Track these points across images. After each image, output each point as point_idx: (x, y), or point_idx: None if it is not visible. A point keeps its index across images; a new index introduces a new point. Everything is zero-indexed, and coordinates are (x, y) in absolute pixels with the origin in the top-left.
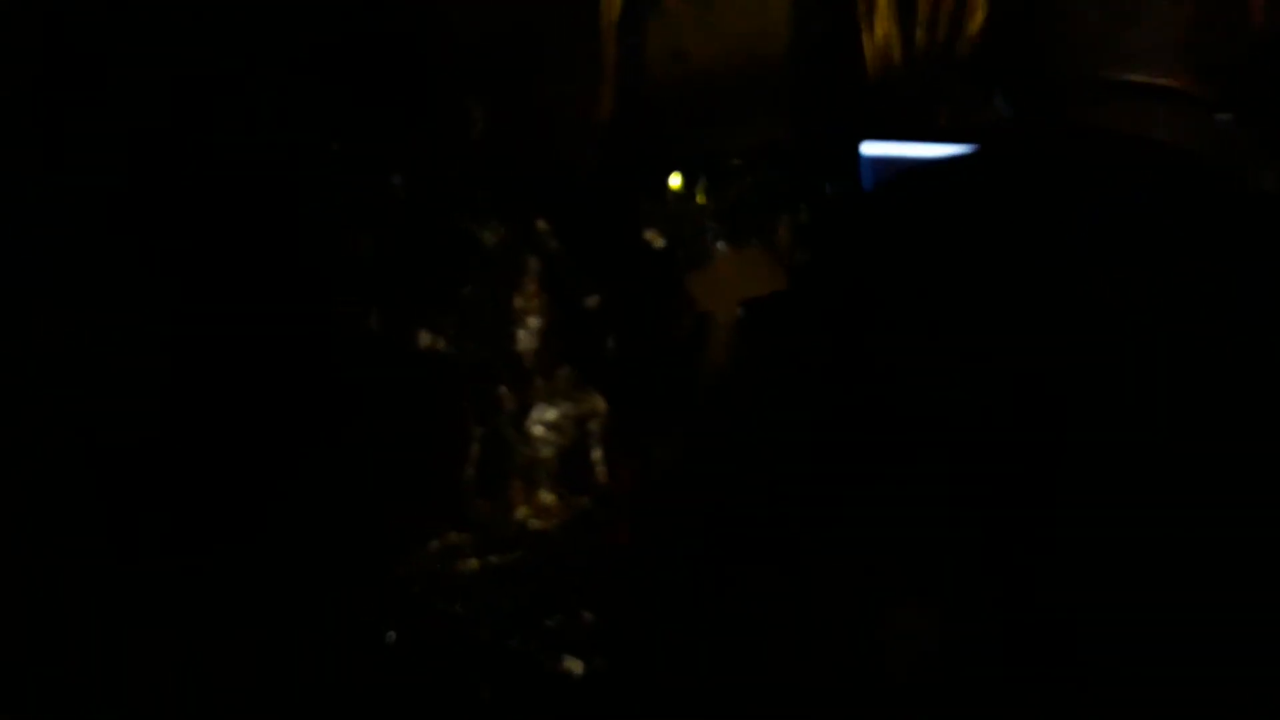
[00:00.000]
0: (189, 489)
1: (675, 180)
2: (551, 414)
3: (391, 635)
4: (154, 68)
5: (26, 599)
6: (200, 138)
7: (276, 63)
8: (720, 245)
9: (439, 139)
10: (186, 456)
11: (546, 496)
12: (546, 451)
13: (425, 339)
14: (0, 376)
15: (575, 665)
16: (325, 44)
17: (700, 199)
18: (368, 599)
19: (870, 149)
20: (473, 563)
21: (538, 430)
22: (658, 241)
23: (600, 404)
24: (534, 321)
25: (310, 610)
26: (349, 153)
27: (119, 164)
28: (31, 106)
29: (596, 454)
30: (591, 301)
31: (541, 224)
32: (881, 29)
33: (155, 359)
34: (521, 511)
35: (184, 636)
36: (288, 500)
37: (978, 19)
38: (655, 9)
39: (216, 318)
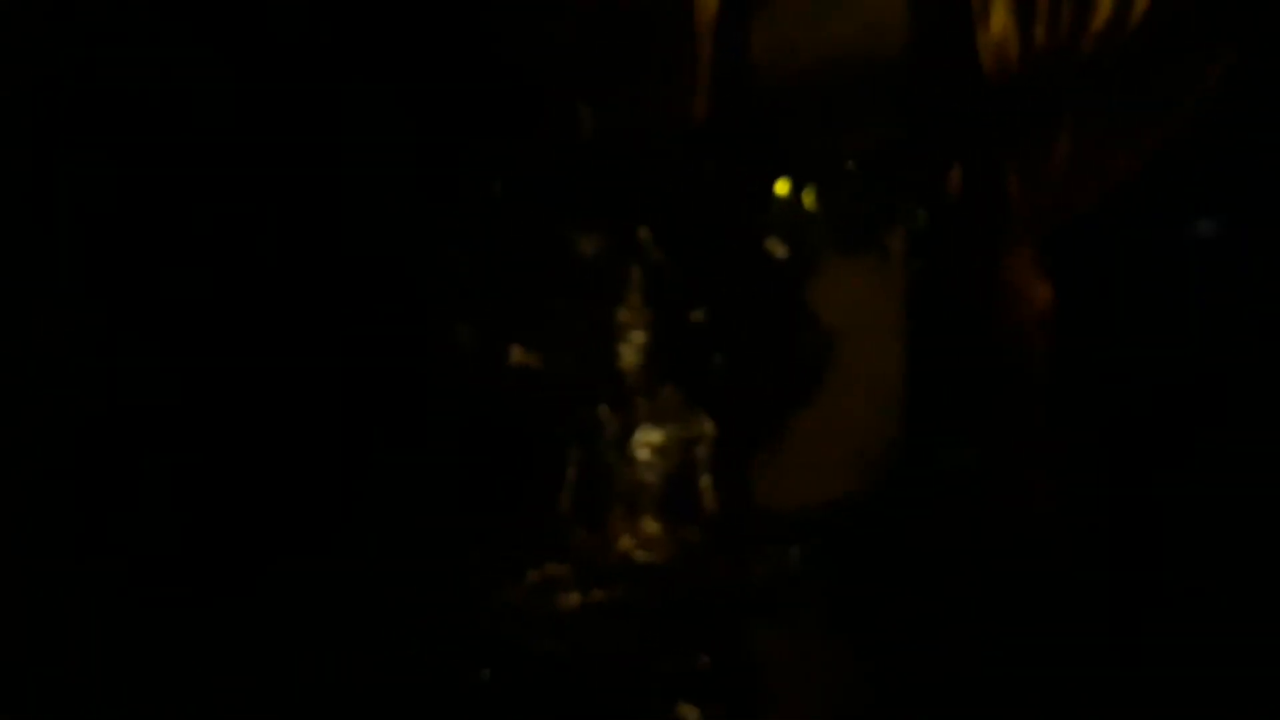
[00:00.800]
0: (272, 511)
1: (782, 186)
2: (656, 437)
3: (485, 674)
4: (245, 76)
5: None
6: (291, 144)
7: (370, 68)
8: (830, 254)
9: (537, 144)
10: (271, 477)
11: (651, 526)
12: (651, 477)
13: (519, 355)
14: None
15: (691, 714)
16: (419, 48)
17: (809, 205)
18: (459, 635)
19: None
20: (573, 597)
21: (642, 454)
22: (776, 251)
23: (708, 426)
24: (637, 336)
25: (398, 646)
26: (443, 158)
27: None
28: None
29: (704, 481)
30: (698, 315)
31: (643, 232)
32: (998, 24)
33: (246, 377)
34: (625, 542)
35: (269, 666)
36: (373, 526)
37: (1104, 12)
38: (760, 5)
39: (302, 333)
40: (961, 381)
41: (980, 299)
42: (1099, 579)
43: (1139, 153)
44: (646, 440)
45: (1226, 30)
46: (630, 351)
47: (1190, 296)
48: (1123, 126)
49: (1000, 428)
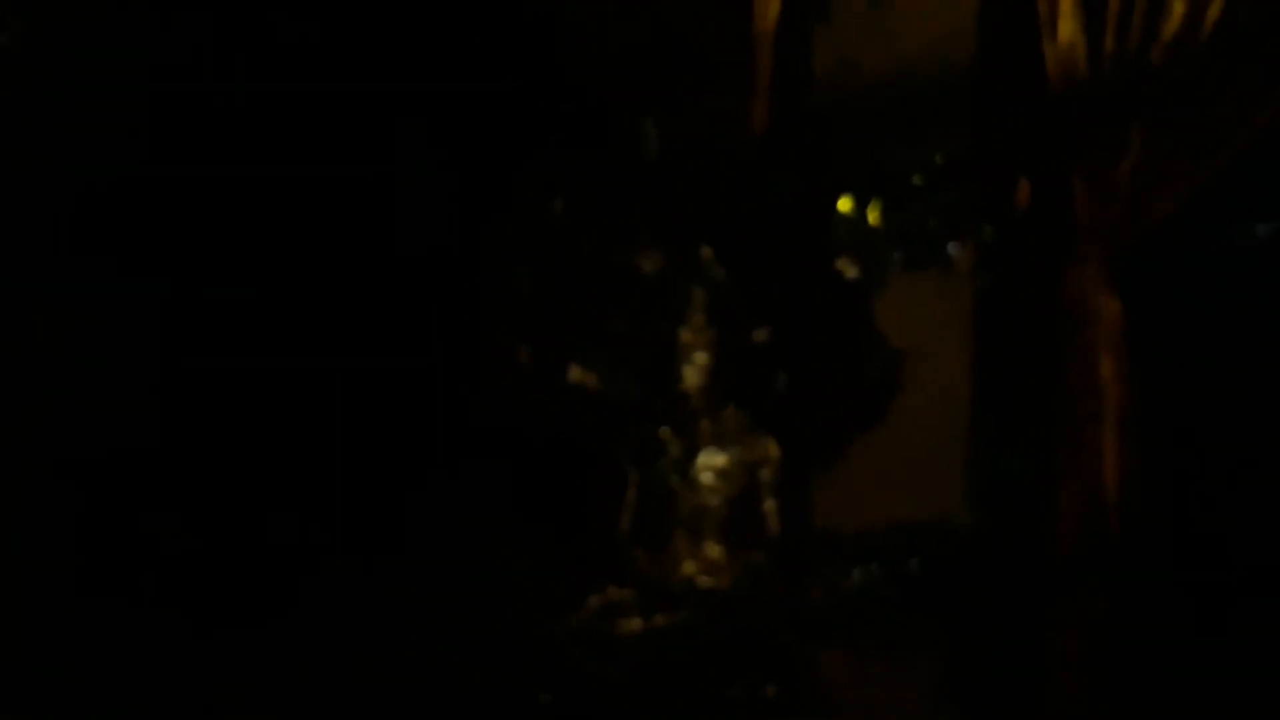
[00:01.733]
0: (330, 530)
1: (845, 203)
2: (720, 459)
3: (547, 699)
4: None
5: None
6: (352, 157)
7: (433, 82)
8: (896, 270)
9: (598, 160)
10: (324, 496)
11: (714, 550)
12: (714, 500)
13: (577, 374)
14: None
15: None
16: (483, 62)
17: (874, 221)
18: (521, 660)
19: None
20: (635, 622)
21: (705, 477)
22: (846, 270)
23: (773, 449)
24: (700, 357)
25: (460, 670)
26: (504, 174)
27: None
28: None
29: (769, 504)
30: (762, 335)
31: (706, 251)
32: (1066, 34)
33: (306, 396)
34: (688, 566)
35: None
36: (433, 549)
37: (1175, 21)
38: (822, 15)
39: (363, 349)
40: (1030, 398)
41: (1048, 314)
42: (1171, 593)
43: (1209, 164)
44: (710, 463)
45: None
46: (693, 372)
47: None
48: (1193, 138)
49: (1070, 444)
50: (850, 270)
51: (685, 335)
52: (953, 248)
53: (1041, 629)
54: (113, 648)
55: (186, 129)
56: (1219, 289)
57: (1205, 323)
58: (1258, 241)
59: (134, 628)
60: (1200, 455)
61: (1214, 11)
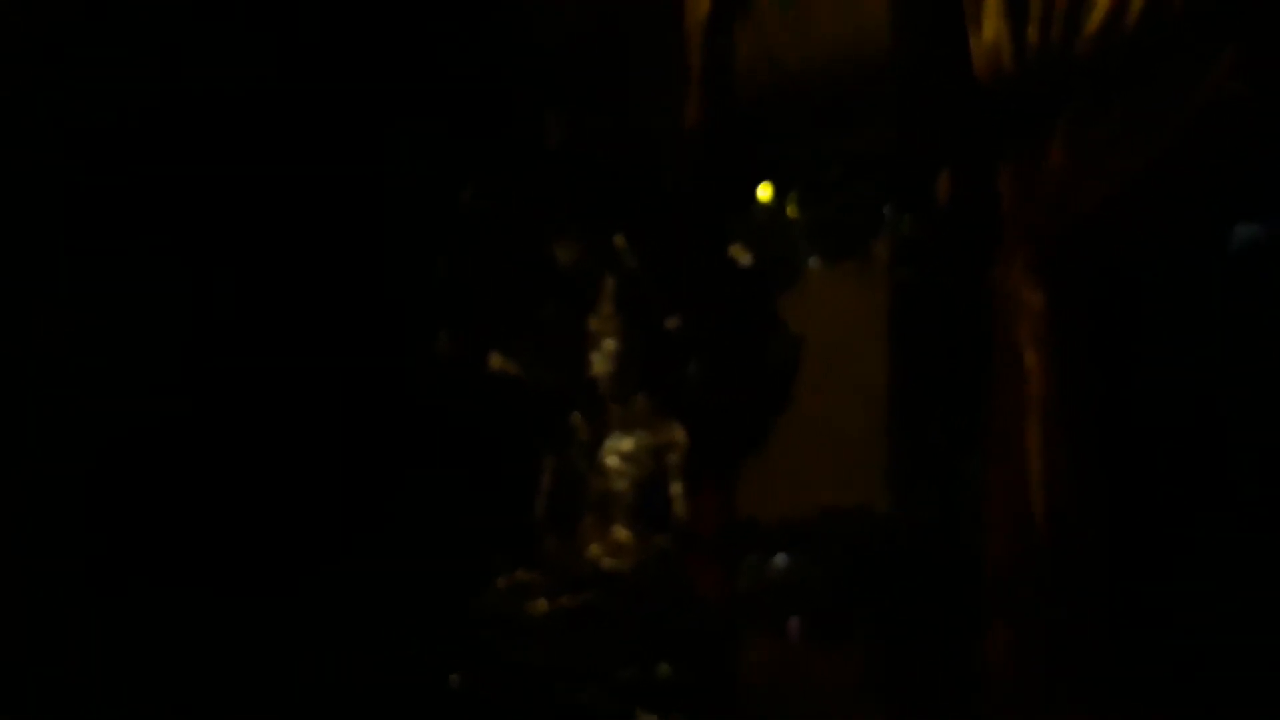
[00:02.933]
0: (250, 519)
1: (764, 192)
2: (627, 444)
3: (455, 679)
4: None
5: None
6: (270, 151)
7: (345, 75)
8: (813, 262)
9: (513, 150)
10: (246, 484)
11: (621, 533)
12: (621, 484)
13: (496, 362)
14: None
15: None
16: (396, 53)
17: (792, 212)
18: (429, 640)
19: None
20: (542, 604)
21: (612, 461)
22: (745, 258)
23: (680, 434)
24: (609, 344)
25: (368, 650)
26: (419, 166)
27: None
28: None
29: (675, 488)
30: (672, 323)
31: (619, 240)
32: (990, 27)
33: (219, 385)
34: (594, 550)
35: (246, 669)
36: (347, 530)
37: (1098, 15)
38: (744, 9)
39: (277, 341)
40: (951, 389)
41: (970, 306)
42: (1103, 586)
43: (1139, 158)
44: (616, 448)
45: (1225, 32)
46: (602, 359)
47: (1209, 304)
48: (1120, 131)
49: (996, 436)
50: (744, 257)
51: (594, 323)
52: (871, 239)
53: (967, 619)
54: (98, 652)
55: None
56: (1166, 285)
57: (1149, 318)
58: (1230, 243)
59: (108, 631)
60: (1130, 448)
61: (1138, 3)
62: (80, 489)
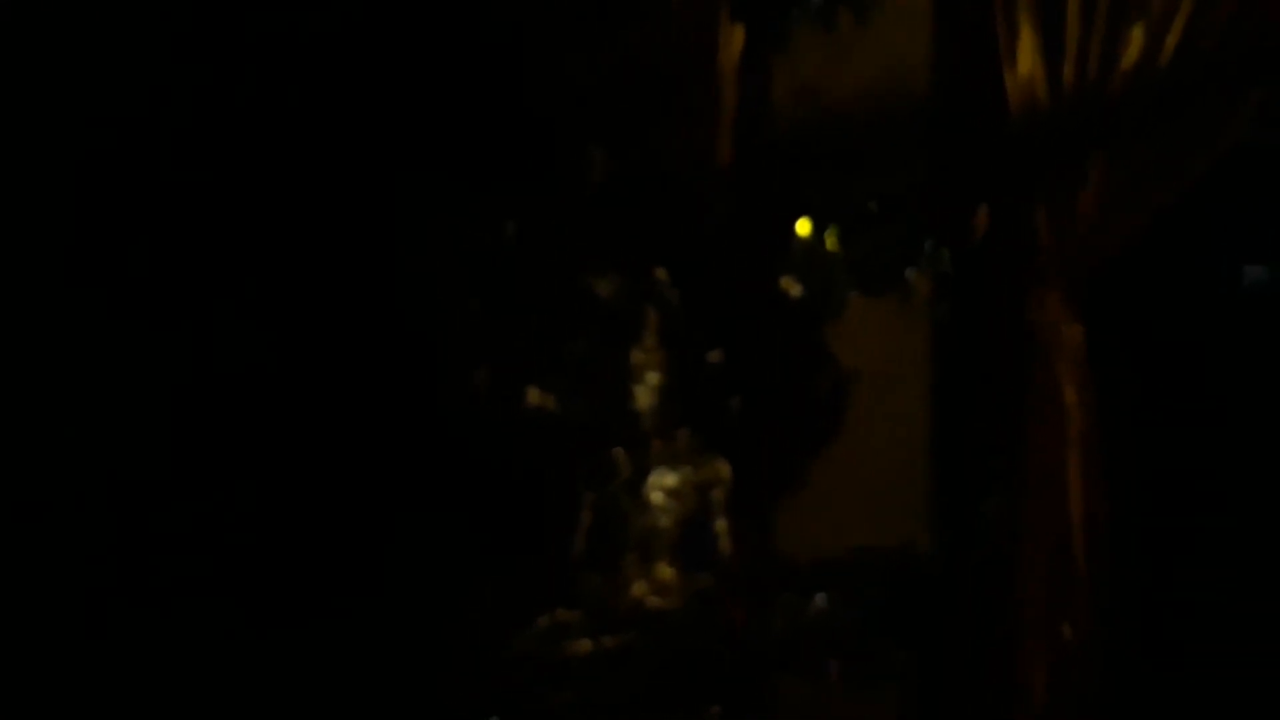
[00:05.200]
0: (282, 556)
1: (804, 227)
2: (671, 480)
3: None
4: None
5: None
6: (307, 186)
7: (384, 105)
8: (853, 297)
9: (554, 186)
10: (280, 521)
11: (665, 571)
12: (665, 521)
13: (534, 397)
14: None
15: None
16: (438, 89)
17: (831, 246)
18: (469, 682)
19: None
20: (584, 644)
21: (656, 497)
22: (791, 292)
23: (724, 470)
24: (652, 378)
25: (402, 692)
26: (459, 200)
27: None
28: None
29: (720, 525)
30: (715, 357)
31: (660, 273)
32: (1025, 64)
33: (255, 418)
34: (638, 588)
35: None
36: (382, 570)
37: (1133, 52)
38: (781, 44)
39: (311, 379)
40: (992, 427)
41: (1007, 341)
42: (1141, 624)
43: (1170, 192)
44: (660, 484)
45: (1257, 70)
46: (645, 393)
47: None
48: (1154, 165)
49: (1035, 473)
50: (794, 289)
51: (637, 356)
52: (910, 275)
53: (1007, 658)
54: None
55: None
56: (1196, 323)
57: (1178, 354)
58: (1245, 282)
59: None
60: (1166, 484)
61: (1172, 40)
62: (91, 519)
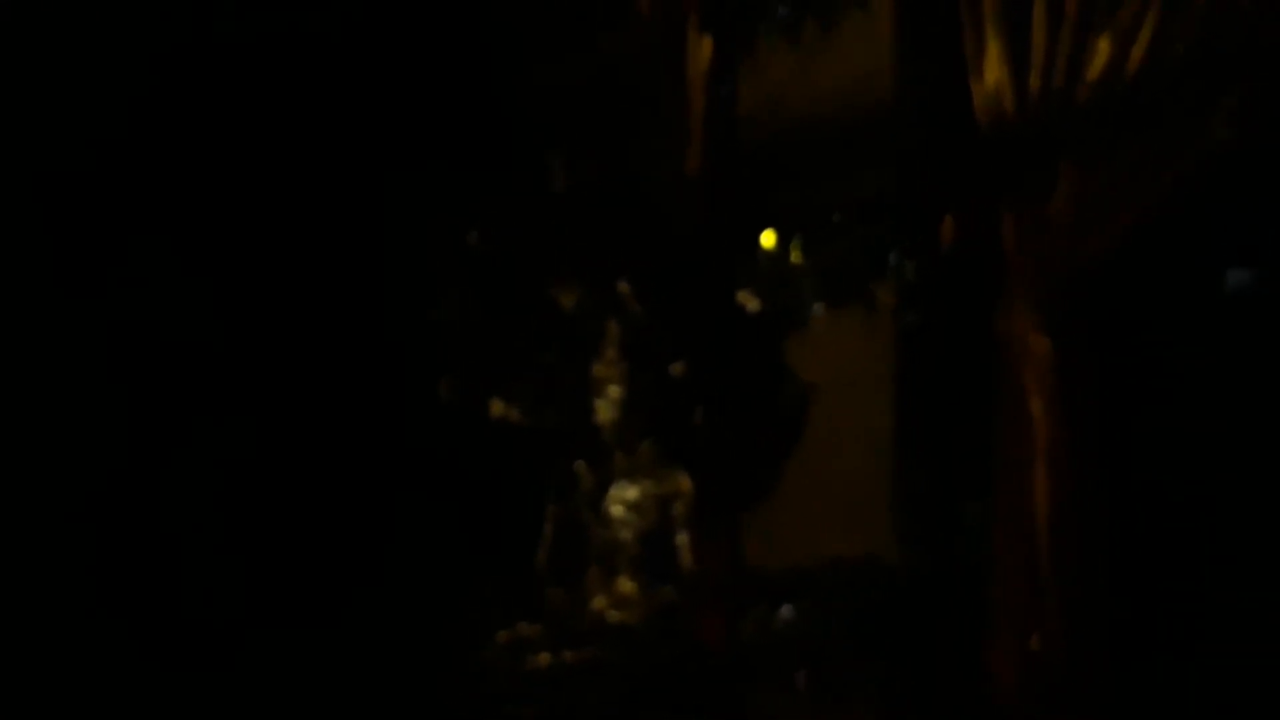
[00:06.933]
0: (245, 572)
1: (768, 238)
2: (632, 493)
3: None
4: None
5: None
6: (271, 193)
7: (350, 118)
8: (818, 307)
9: (517, 196)
10: (241, 535)
11: (626, 585)
12: (626, 534)
13: (498, 408)
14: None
15: None
16: (401, 97)
17: (796, 257)
18: (429, 695)
19: None
20: (545, 658)
21: (616, 510)
22: (752, 304)
23: (685, 482)
24: (613, 390)
25: (367, 706)
26: (423, 210)
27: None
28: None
29: (681, 538)
30: (677, 369)
31: (623, 286)
32: (992, 74)
33: (218, 428)
34: (599, 601)
35: None
36: (339, 583)
37: (1100, 61)
38: (748, 56)
39: (274, 385)
40: (958, 437)
41: (974, 352)
42: (1109, 630)
43: (1143, 204)
44: (622, 497)
45: (1227, 79)
46: (607, 406)
47: (1212, 348)
48: (1123, 177)
49: (1003, 482)
50: (752, 303)
51: (599, 369)
52: (875, 285)
53: (975, 667)
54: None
55: None
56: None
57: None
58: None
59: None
60: (1133, 491)
61: (1139, 50)
62: (82, 541)
